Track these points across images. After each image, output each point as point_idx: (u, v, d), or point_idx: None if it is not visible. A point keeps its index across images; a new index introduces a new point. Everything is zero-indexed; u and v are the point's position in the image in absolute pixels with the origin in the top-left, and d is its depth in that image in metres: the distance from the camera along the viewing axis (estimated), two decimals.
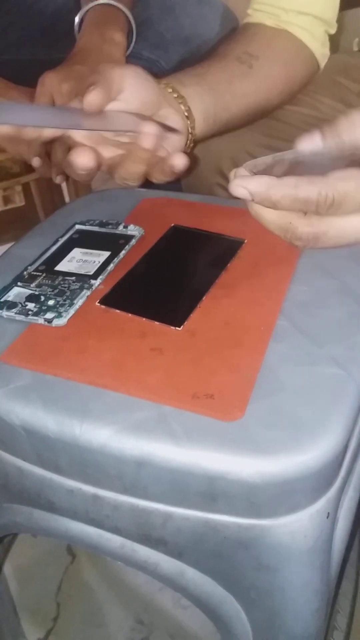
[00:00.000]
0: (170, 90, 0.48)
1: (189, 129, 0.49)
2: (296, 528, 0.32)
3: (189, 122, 0.49)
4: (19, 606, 0.72)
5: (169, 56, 0.77)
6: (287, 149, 0.58)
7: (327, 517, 0.33)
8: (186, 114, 0.48)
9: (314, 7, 0.57)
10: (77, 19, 0.70)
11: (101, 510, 0.34)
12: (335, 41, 0.63)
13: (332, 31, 0.60)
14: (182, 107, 0.48)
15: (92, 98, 0.40)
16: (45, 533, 0.38)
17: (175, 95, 0.48)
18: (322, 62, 0.60)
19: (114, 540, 0.36)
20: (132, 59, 0.73)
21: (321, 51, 0.59)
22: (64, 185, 1.00)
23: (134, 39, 0.72)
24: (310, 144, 0.34)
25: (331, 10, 0.58)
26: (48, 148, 0.64)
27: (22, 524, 0.39)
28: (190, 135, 0.50)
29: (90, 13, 0.69)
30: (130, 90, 0.43)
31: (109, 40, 0.66)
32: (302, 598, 0.36)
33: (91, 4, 0.69)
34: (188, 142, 0.50)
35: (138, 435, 0.31)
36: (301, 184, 0.33)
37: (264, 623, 0.38)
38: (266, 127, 0.59)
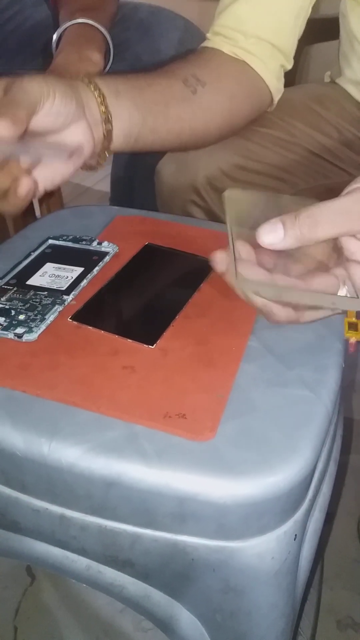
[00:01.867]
0: (99, 98, 0.46)
1: (104, 144, 0.47)
2: (264, 550, 0.32)
3: (104, 140, 0.47)
4: None
5: None
6: (260, 169, 0.59)
7: (295, 539, 0.34)
8: (105, 132, 0.47)
9: (274, 37, 0.57)
10: (55, 37, 0.70)
11: (68, 531, 0.34)
12: (297, 73, 0.64)
13: (289, 66, 0.60)
14: (103, 125, 0.46)
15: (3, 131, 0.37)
16: (7, 555, 0.37)
17: (102, 107, 0.46)
18: (277, 96, 0.60)
19: (79, 562, 0.35)
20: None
21: (276, 86, 0.59)
22: (37, 206, 0.99)
23: (111, 59, 0.73)
24: (271, 236, 0.34)
25: (290, 42, 0.58)
26: None
27: None
28: (103, 153, 0.48)
29: (68, 31, 0.69)
30: (46, 107, 0.40)
31: (85, 59, 0.67)
32: (267, 621, 0.35)
33: (69, 23, 0.69)
34: (99, 157, 0.48)
35: (108, 454, 0.31)
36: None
37: None
38: (241, 148, 0.59)
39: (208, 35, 0.59)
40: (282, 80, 0.60)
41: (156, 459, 0.31)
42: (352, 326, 0.39)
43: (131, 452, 0.31)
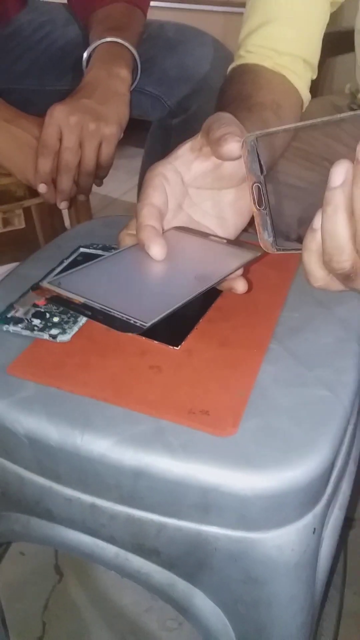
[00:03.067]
0: None
1: None
2: (284, 542, 0.34)
3: None
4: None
5: (172, 92, 0.81)
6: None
7: (314, 533, 0.35)
8: None
9: (304, 52, 0.61)
10: (85, 55, 0.74)
11: (98, 520, 0.36)
12: (321, 84, 0.67)
13: (314, 77, 0.64)
14: None
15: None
16: (41, 541, 0.39)
17: None
18: (306, 105, 0.64)
19: (108, 550, 0.37)
20: (136, 93, 0.77)
21: (307, 96, 0.63)
22: (65, 210, 1.03)
23: (138, 75, 0.76)
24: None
25: (317, 55, 0.63)
26: (54, 175, 0.67)
27: (19, 532, 0.40)
28: None
29: (98, 49, 0.73)
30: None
31: (114, 75, 0.70)
32: (287, 612, 0.37)
33: (99, 41, 0.72)
34: None
35: (136, 446, 0.33)
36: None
37: (251, 637, 0.39)
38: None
39: (241, 52, 0.62)
40: (309, 89, 0.65)
41: (181, 452, 0.33)
42: None
43: (158, 445, 0.33)
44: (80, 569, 0.80)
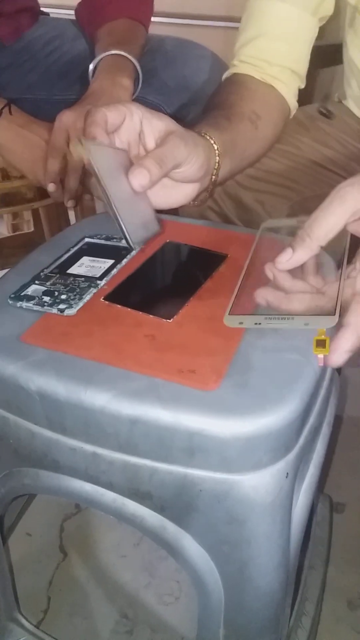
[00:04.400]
0: (217, 158, 0.54)
1: (207, 190, 0.56)
2: (260, 483, 0.39)
3: (208, 187, 0.55)
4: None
5: (171, 101, 0.88)
6: (270, 179, 0.67)
7: (287, 477, 0.40)
8: (212, 180, 0.55)
9: (293, 63, 0.67)
10: (91, 66, 0.80)
11: (98, 467, 0.41)
12: (314, 95, 0.73)
13: (302, 86, 0.70)
14: (212, 176, 0.55)
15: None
16: (48, 492, 0.45)
17: (217, 163, 0.55)
18: (293, 112, 0.70)
19: (107, 496, 0.42)
20: (138, 101, 0.83)
21: (294, 104, 0.69)
22: (71, 214, 1.09)
23: (139, 85, 0.82)
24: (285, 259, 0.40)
25: (305, 66, 0.69)
26: (62, 175, 0.73)
27: (30, 485, 0.45)
28: (204, 195, 0.57)
29: (103, 61, 0.79)
30: (182, 169, 0.48)
31: (118, 84, 0.76)
32: (265, 550, 0.42)
33: (104, 54, 0.79)
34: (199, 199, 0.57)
35: (132, 399, 0.38)
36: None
37: (234, 577, 0.44)
38: None
39: (234, 62, 0.68)
40: (296, 97, 0.70)
41: (171, 403, 0.38)
42: (319, 344, 0.40)
43: (151, 397, 0.38)
44: (83, 549, 0.84)
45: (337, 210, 0.38)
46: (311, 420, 0.44)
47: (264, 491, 0.39)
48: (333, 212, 0.38)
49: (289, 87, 0.66)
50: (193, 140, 0.50)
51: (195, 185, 0.52)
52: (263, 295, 0.42)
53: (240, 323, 0.42)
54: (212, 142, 0.54)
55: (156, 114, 0.50)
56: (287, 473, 0.40)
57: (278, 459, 0.40)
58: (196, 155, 0.49)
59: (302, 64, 0.67)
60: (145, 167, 0.44)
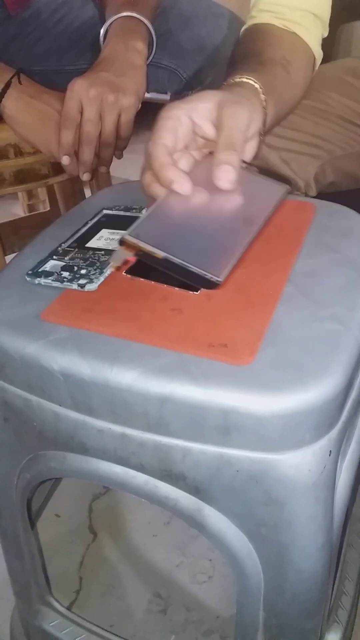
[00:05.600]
0: (264, 109, 0.52)
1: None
2: (301, 462, 0.36)
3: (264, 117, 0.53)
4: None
5: (187, 64, 0.83)
6: (297, 137, 0.63)
7: (330, 455, 0.38)
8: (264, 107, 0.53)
9: (315, 6, 0.62)
10: (102, 31, 0.76)
11: (128, 448, 0.39)
12: (335, 51, 0.68)
13: (326, 34, 0.65)
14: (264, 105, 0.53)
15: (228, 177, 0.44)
16: (76, 475, 0.43)
17: (262, 96, 0.53)
18: (318, 62, 0.66)
19: (138, 478, 0.40)
20: (153, 67, 0.79)
21: (319, 51, 0.65)
22: (87, 192, 1.06)
23: (154, 49, 0.78)
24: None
25: (327, 11, 0.64)
26: (76, 147, 0.70)
27: (56, 469, 0.44)
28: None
29: (115, 24, 0.75)
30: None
31: (131, 48, 0.72)
32: (307, 532, 0.40)
33: (115, 16, 0.75)
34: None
35: (161, 376, 0.36)
36: None
37: (274, 560, 0.41)
38: None
39: (253, 13, 0.64)
40: (320, 44, 0.66)
41: (202, 379, 0.35)
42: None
43: (181, 373, 0.36)
44: (113, 529, 0.83)
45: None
46: (354, 393, 0.41)
47: (306, 471, 0.37)
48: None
49: (312, 32, 0.62)
50: (244, 97, 0.48)
51: (257, 138, 0.50)
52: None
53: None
54: (255, 85, 0.52)
55: (196, 98, 0.48)
56: (330, 451, 0.37)
57: (320, 436, 0.37)
58: (254, 110, 0.48)
59: (324, 7, 0.63)
60: (223, 162, 0.44)
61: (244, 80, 0.52)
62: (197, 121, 0.47)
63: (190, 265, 0.38)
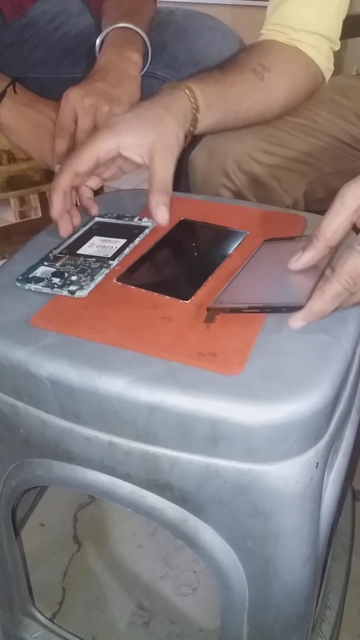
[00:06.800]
0: (194, 111, 0.56)
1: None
2: (289, 473, 0.36)
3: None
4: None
5: (181, 76, 0.84)
6: (287, 154, 0.64)
7: (317, 467, 0.38)
8: (187, 133, 0.56)
9: (321, 28, 0.64)
10: (98, 41, 0.77)
11: (115, 457, 0.38)
12: (337, 67, 0.70)
13: (336, 48, 0.67)
14: (189, 128, 0.56)
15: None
16: (62, 483, 0.42)
17: (193, 116, 0.56)
18: (328, 75, 0.67)
19: (124, 487, 0.40)
20: (148, 78, 0.80)
21: (327, 65, 0.66)
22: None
23: (149, 60, 0.78)
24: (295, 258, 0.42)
25: (335, 30, 0.66)
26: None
27: (42, 477, 0.43)
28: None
29: (110, 35, 0.76)
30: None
31: (126, 59, 0.73)
32: (293, 544, 0.39)
33: (111, 27, 0.75)
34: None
35: (150, 384, 0.36)
36: (324, 288, 0.39)
37: (259, 572, 0.41)
38: (267, 134, 0.65)
39: (262, 31, 0.67)
40: (332, 59, 0.68)
41: (191, 388, 0.35)
42: None
43: (170, 382, 0.36)
44: (98, 539, 0.83)
45: (339, 210, 0.40)
46: (341, 406, 0.41)
47: (293, 482, 0.37)
48: (336, 213, 0.40)
49: (317, 49, 0.64)
50: (165, 107, 0.53)
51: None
52: None
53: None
54: (188, 93, 0.55)
55: (125, 131, 0.52)
56: (318, 463, 0.37)
57: (308, 447, 0.37)
58: (177, 125, 0.53)
59: (330, 26, 0.64)
60: (160, 204, 0.50)
61: (177, 88, 0.56)
62: (124, 153, 0.51)
63: (273, 304, 0.40)
